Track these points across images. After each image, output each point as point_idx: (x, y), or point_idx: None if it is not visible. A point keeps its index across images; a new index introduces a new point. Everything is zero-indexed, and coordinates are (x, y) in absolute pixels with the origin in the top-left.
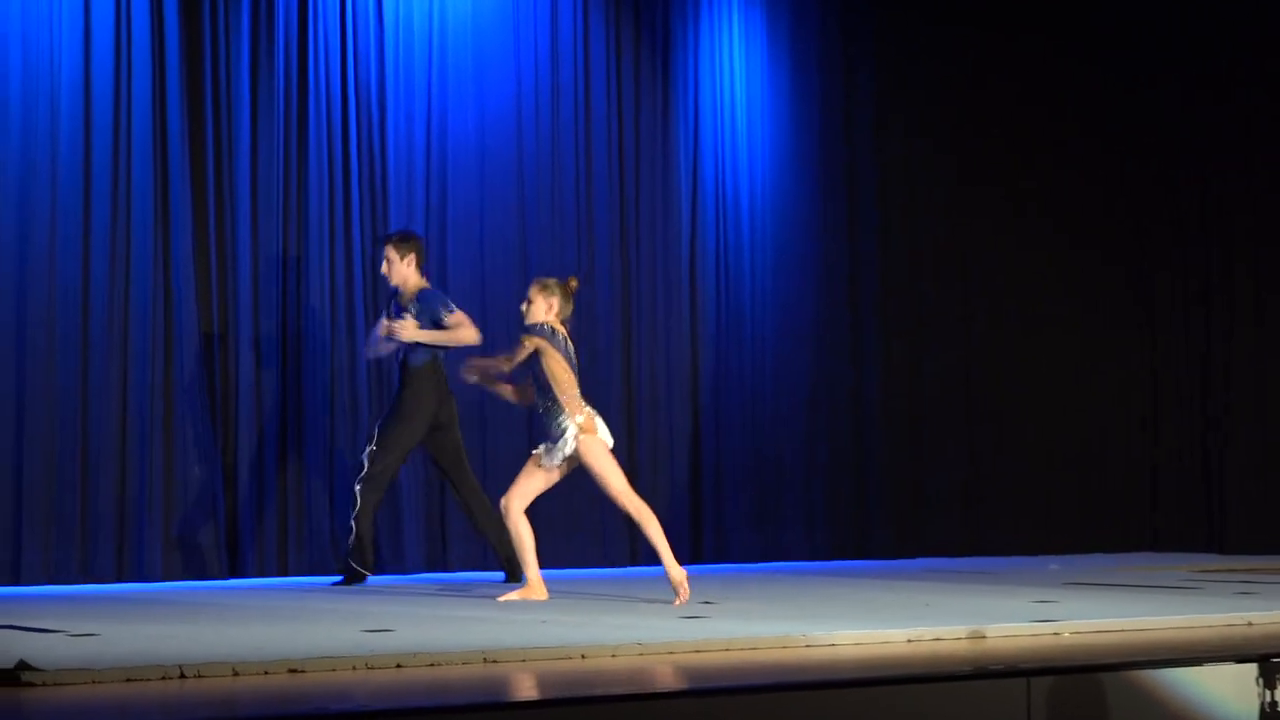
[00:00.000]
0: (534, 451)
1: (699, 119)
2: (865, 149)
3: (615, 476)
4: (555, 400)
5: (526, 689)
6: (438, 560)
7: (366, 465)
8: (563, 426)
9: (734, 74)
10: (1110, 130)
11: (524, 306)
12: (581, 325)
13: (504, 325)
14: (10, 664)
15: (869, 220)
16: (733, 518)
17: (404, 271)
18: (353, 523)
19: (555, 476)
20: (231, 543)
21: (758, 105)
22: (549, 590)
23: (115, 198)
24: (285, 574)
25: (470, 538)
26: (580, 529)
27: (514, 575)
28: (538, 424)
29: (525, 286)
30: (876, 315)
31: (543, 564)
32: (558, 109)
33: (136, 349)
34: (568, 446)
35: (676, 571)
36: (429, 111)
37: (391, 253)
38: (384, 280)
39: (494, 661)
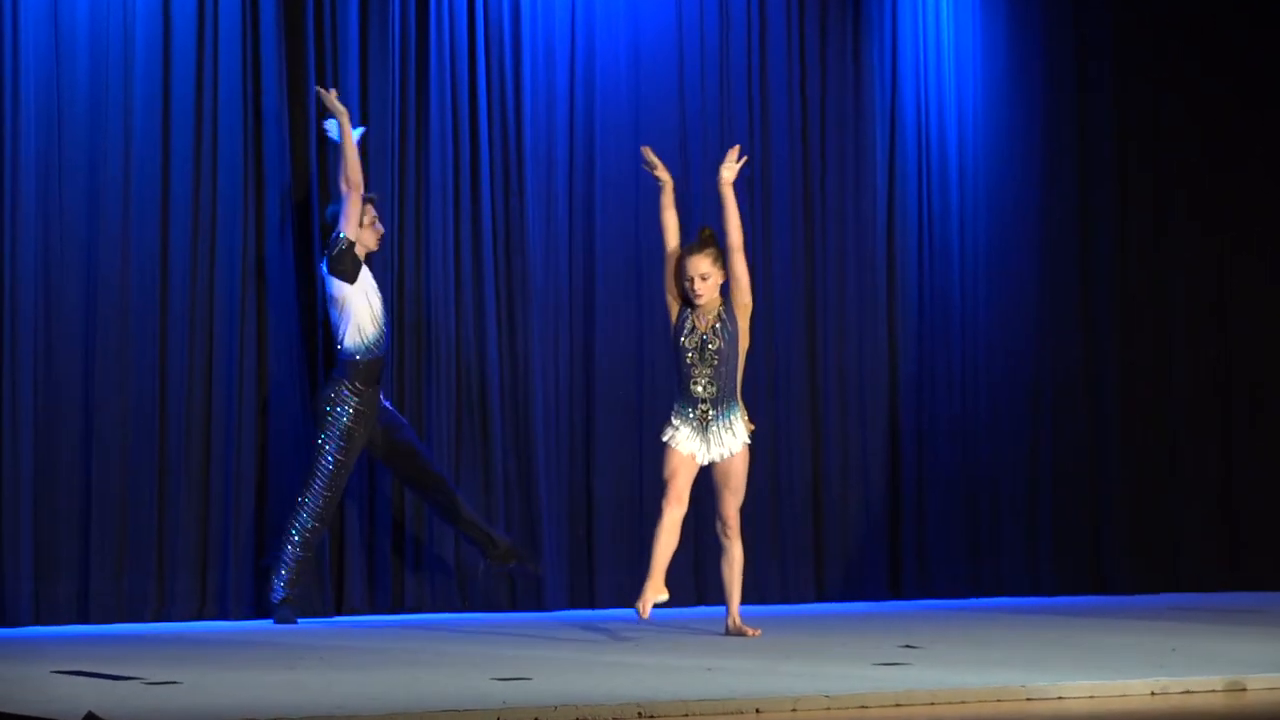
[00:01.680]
0: (676, 442)
1: (897, 59)
2: (1100, 94)
3: (741, 497)
4: (735, 388)
5: None
6: (582, 596)
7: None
8: (734, 423)
9: (939, 2)
10: None
11: (699, 283)
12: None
13: (663, 309)
14: (78, 716)
15: (1103, 181)
16: (938, 546)
17: None
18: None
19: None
20: (337, 574)
21: (968, 43)
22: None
23: (199, 156)
24: (401, 610)
25: (619, 570)
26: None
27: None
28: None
29: None
30: (1115, 300)
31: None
32: (727, 51)
33: (222, 341)
34: (735, 446)
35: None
36: (572, 48)
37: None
38: (518, 255)
39: (650, 716)
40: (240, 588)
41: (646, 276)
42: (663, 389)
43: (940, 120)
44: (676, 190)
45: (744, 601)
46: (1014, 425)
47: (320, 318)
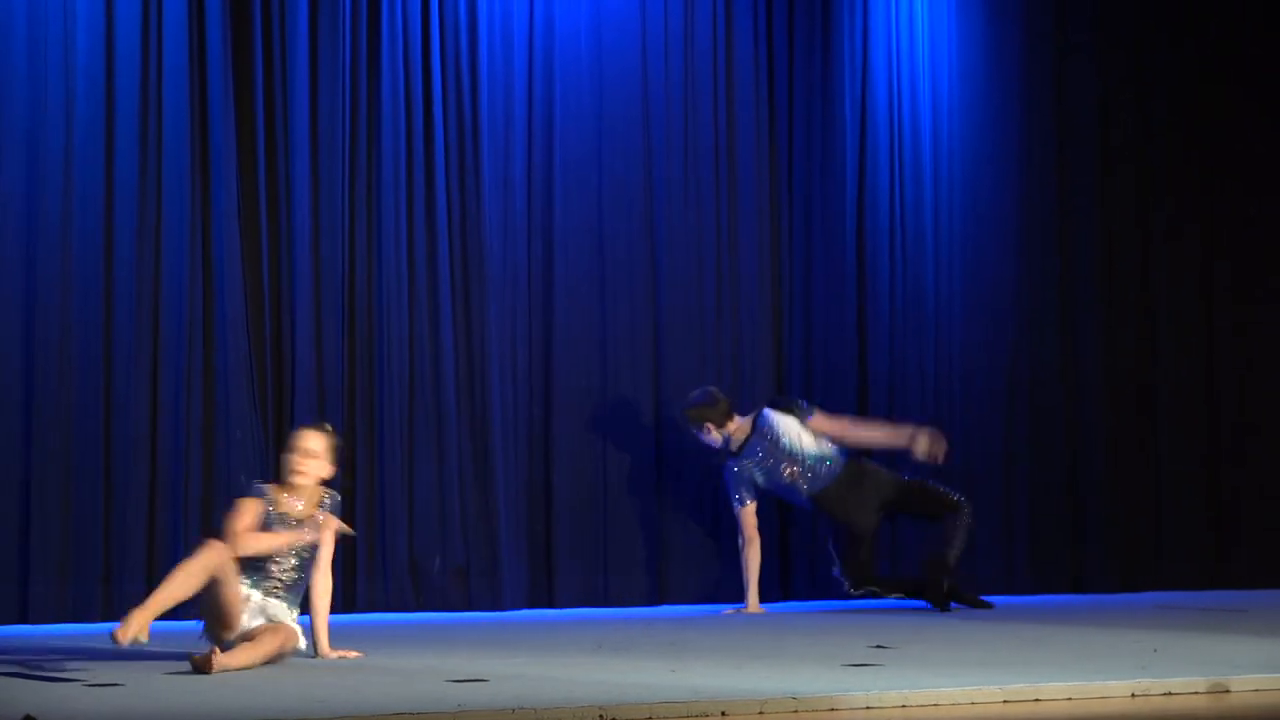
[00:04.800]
0: None
1: (869, 45)
2: (1082, 72)
3: None
4: None
5: None
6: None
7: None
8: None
9: None
10: None
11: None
12: (719, 307)
13: (626, 298)
14: (16, 717)
15: (1084, 173)
16: (909, 546)
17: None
18: None
19: None
20: None
21: (943, 25)
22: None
23: (145, 141)
24: (352, 610)
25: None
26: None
27: None
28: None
29: (653, 251)
30: (1095, 294)
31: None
32: (692, 34)
33: (170, 332)
34: None
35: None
36: (531, 26)
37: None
38: (474, 241)
39: (612, 719)
40: None
41: (609, 263)
42: (625, 378)
43: (914, 106)
44: (638, 182)
45: (707, 600)
46: (989, 422)
47: (267, 310)
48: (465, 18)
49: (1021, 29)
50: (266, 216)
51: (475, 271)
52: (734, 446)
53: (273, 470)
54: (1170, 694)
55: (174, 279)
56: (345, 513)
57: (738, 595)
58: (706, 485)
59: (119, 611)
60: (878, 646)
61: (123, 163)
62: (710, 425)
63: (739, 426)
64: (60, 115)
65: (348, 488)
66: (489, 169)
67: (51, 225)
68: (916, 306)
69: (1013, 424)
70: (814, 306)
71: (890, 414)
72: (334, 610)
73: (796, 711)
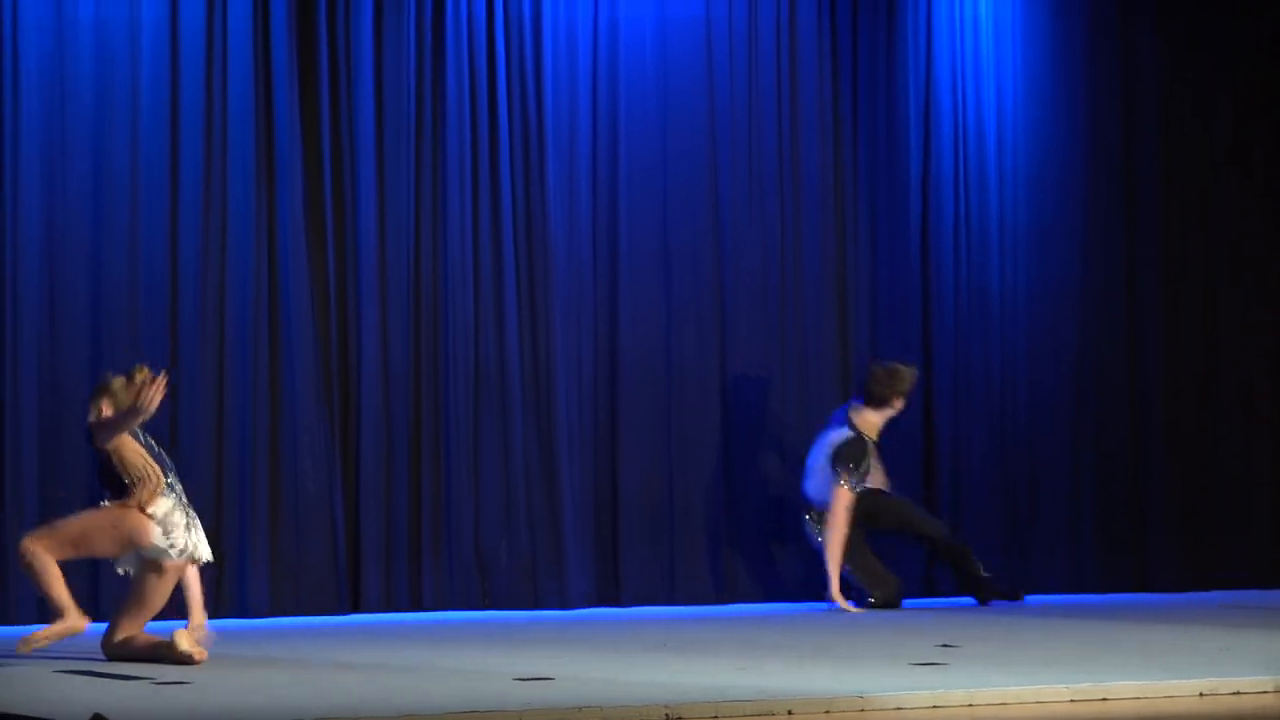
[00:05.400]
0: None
1: (932, 46)
2: (1146, 82)
3: None
4: None
5: None
6: (609, 594)
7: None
8: None
9: None
10: None
11: None
12: (783, 308)
13: (690, 298)
14: (84, 717)
15: (1149, 172)
16: (975, 544)
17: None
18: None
19: None
20: (352, 571)
21: (1008, 27)
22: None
23: (209, 142)
24: (419, 608)
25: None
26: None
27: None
28: None
29: (718, 252)
30: (1161, 291)
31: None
32: (756, 38)
33: (234, 332)
34: None
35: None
36: (595, 28)
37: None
38: (539, 240)
39: (678, 718)
40: (255, 585)
41: (674, 266)
42: (691, 377)
43: (978, 106)
44: (704, 185)
45: (770, 600)
46: (1055, 421)
47: (333, 309)
48: (530, 18)
49: (1086, 27)
50: (332, 217)
51: (540, 271)
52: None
53: (339, 467)
54: (1239, 693)
55: (240, 280)
56: (410, 510)
57: (804, 594)
58: (773, 483)
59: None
60: (944, 646)
61: (188, 165)
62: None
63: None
64: (126, 120)
65: (414, 485)
66: (554, 170)
67: (119, 228)
68: (981, 308)
69: (1078, 424)
70: (879, 309)
71: (955, 414)
72: (401, 608)
73: (863, 711)
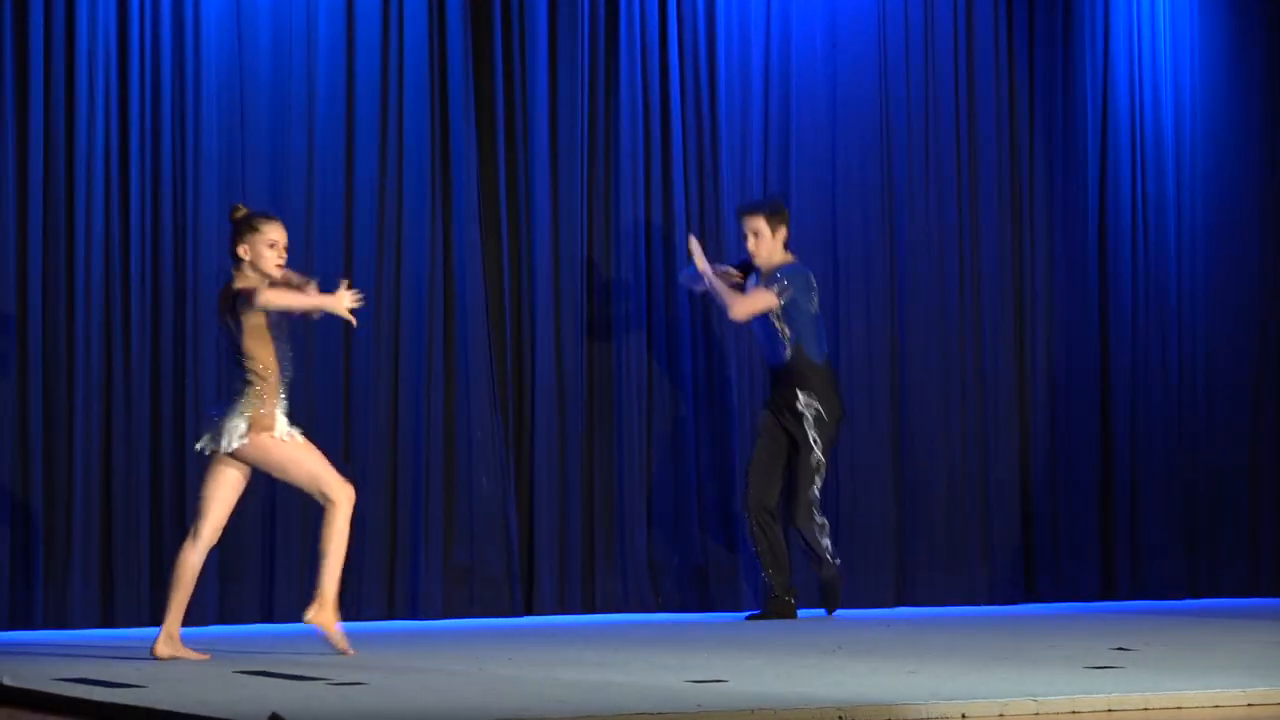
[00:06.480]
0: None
1: (1110, 42)
2: None
3: None
4: None
5: None
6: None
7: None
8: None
9: None
10: None
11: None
12: (961, 305)
13: (862, 294)
14: (262, 717)
15: None
16: (1153, 545)
17: (771, 245)
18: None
19: None
20: (526, 572)
21: (1185, 24)
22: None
23: (384, 149)
24: (591, 610)
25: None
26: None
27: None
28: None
29: (892, 250)
30: None
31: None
32: (931, 37)
33: (409, 334)
34: None
35: None
36: (768, 27)
37: (762, 225)
38: (712, 243)
39: None
40: (429, 587)
41: (844, 270)
42: (861, 375)
43: (1155, 99)
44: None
45: (948, 603)
46: (1235, 421)
47: (508, 312)
48: (704, 18)
49: (1264, 23)
50: (507, 219)
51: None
52: None
53: (513, 472)
54: None
55: (414, 280)
56: (584, 515)
57: (979, 597)
58: (950, 488)
59: (360, 607)
60: (1119, 649)
61: (362, 164)
62: None
63: None
64: (303, 117)
65: (587, 490)
66: (726, 169)
67: (295, 225)
68: (1159, 302)
69: (1259, 422)
70: (1056, 303)
71: (1133, 410)
72: (572, 609)
73: (1037, 714)
